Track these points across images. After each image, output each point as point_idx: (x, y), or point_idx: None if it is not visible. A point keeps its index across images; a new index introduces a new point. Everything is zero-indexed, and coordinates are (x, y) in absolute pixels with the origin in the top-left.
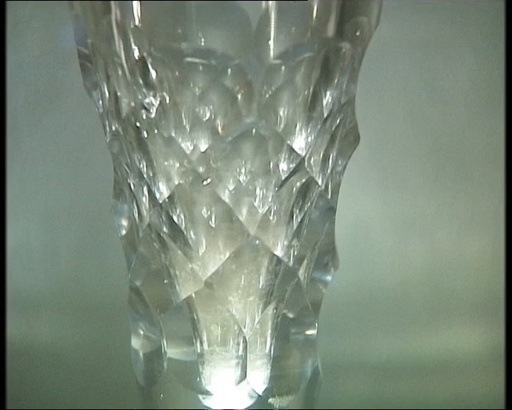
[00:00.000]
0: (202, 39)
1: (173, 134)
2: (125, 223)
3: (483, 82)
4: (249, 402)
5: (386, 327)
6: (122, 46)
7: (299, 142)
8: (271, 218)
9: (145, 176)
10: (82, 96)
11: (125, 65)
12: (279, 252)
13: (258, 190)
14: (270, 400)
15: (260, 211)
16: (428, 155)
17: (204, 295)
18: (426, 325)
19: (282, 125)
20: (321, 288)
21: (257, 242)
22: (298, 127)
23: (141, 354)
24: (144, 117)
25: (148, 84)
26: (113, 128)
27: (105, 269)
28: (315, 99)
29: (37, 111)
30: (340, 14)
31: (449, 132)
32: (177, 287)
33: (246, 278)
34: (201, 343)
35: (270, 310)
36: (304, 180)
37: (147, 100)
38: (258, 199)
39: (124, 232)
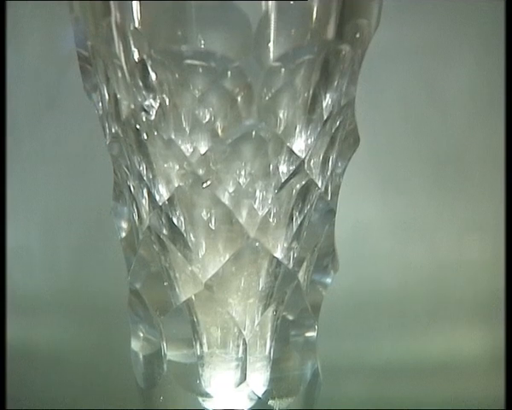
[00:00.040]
0: (202, 41)
1: (173, 136)
2: (124, 225)
3: (483, 84)
4: (249, 404)
5: (387, 329)
6: (122, 48)
7: (299, 144)
8: (271, 220)
9: (145, 178)
10: (82, 99)
11: (124, 67)
12: (279, 254)
13: (257, 193)
14: (269, 402)
15: (260, 213)
16: (428, 157)
17: (204, 298)
18: (426, 326)
19: (281, 128)
20: (321, 290)
21: (257, 244)
22: (298, 129)
23: (141, 357)
24: (144, 119)
25: (148, 87)
26: (113, 130)
27: (105, 271)
28: (315, 101)
29: (37, 113)
30: (339, 16)
31: (448, 134)
32: (176, 289)
33: (246, 281)
34: (201, 346)
35: (270, 312)
36: (304, 182)
37: (146, 102)
38: (257, 201)
39: (123, 234)
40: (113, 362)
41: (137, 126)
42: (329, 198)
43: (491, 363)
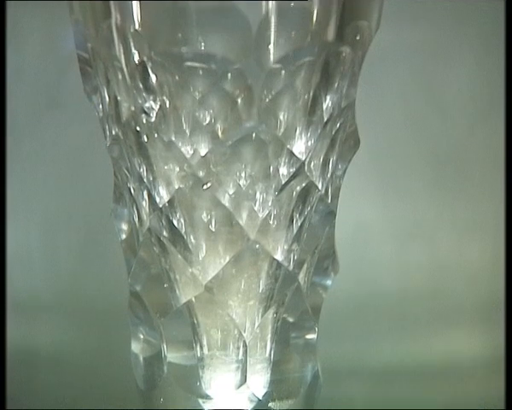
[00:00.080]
0: (202, 43)
1: (173, 138)
2: (125, 227)
3: (483, 86)
4: (249, 406)
5: (387, 331)
6: (122, 50)
7: (299, 146)
8: (271, 222)
9: (145, 180)
10: (82, 99)
11: (125, 69)
12: (279, 256)
13: (258, 195)
14: (270, 404)
15: (260, 215)
16: (428, 160)
17: (204, 300)
18: (426, 328)
19: (282, 130)
20: (321, 292)
21: (257, 246)
22: (298, 131)
23: (141, 359)
24: (144, 121)
25: (148, 89)
26: (113, 132)
27: (105, 273)
28: (315, 103)
29: (37, 113)
30: (340, 18)
31: (449, 137)
32: (177, 291)
33: (246, 283)
34: (201, 347)
35: (270, 314)
36: (304, 184)
37: (147, 104)
38: (258, 203)
39: (124, 236)
40: (113, 364)
41: (138, 128)
42: (330, 200)
43: (491, 365)
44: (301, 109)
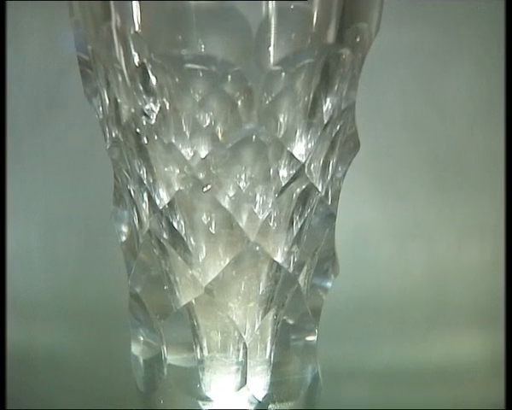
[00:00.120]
0: (202, 46)
1: (173, 140)
2: (125, 229)
3: (482, 89)
4: (249, 408)
5: (387, 333)
6: (122, 52)
7: (299, 148)
8: (271, 224)
9: (145, 182)
10: (82, 99)
11: (125, 71)
12: (279, 258)
13: (258, 197)
14: (270, 406)
15: (260, 217)
16: (428, 162)
17: (204, 302)
18: (425, 331)
19: (282, 132)
20: (321, 294)
21: (257, 248)
22: (298, 134)
23: (141, 361)
24: (144, 123)
25: (149, 91)
26: (113, 135)
27: (105, 275)
28: (315, 105)
29: (37, 114)
30: (340, 20)
31: (448, 139)
32: (177, 293)
33: (246, 285)
34: (201, 350)
35: (271, 316)
36: (304, 187)
37: (147, 106)
38: (258, 205)
39: (124, 239)
40: (113, 366)
41: (138, 130)
42: (330, 202)
43: (491, 368)
44: (301, 111)
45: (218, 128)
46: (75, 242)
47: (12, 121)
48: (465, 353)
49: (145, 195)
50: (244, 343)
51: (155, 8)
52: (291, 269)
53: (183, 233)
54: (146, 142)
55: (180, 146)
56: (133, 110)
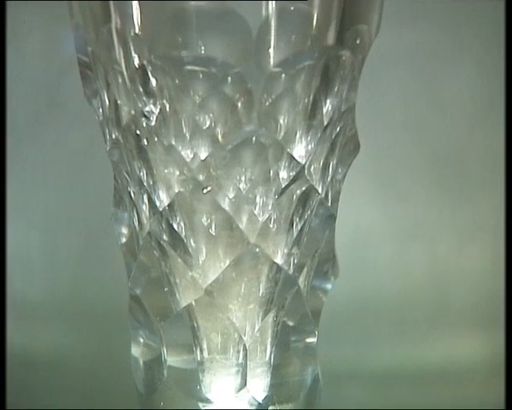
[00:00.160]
0: (202, 47)
1: (173, 142)
2: (125, 231)
3: (483, 90)
4: None
5: (387, 335)
6: (122, 54)
7: (300, 150)
8: (271, 226)
9: (145, 184)
10: (82, 99)
11: (125, 73)
12: (279, 260)
13: (258, 198)
14: (270, 408)
15: (260, 219)
16: (429, 163)
17: (204, 303)
18: (426, 333)
19: (282, 134)
20: (321, 296)
21: (257, 250)
22: (298, 135)
23: (141, 362)
24: (144, 125)
25: (149, 92)
26: (113, 136)
27: (105, 277)
28: (315, 107)
29: (37, 116)
30: (340, 22)
31: (449, 140)
32: (177, 295)
33: (246, 286)
34: (201, 351)
35: (271, 318)
36: (304, 188)
37: (147, 108)
38: (258, 207)
39: (124, 240)
40: (113, 368)
41: (138, 132)
42: (330, 204)
43: (491, 370)
44: (301, 113)
45: (218, 130)
46: (75, 243)
47: (12, 121)
48: (465, 354)
49: (145, 196)
50: (244, 345)
51: (155, 9)
52: (291, 271)
53: (183, 235)
54: (146, 143)
55: (180, 148)
56: (133, 112)
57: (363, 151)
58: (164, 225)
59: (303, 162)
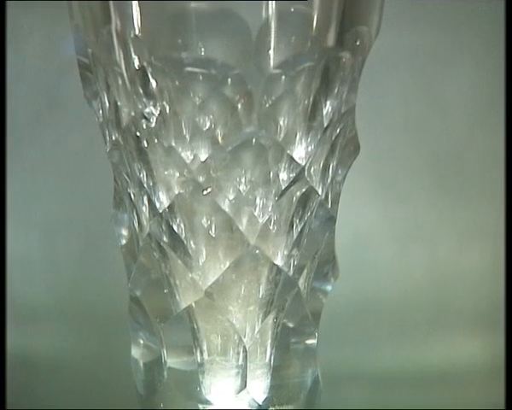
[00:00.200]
0: (202, 49)
1: (173, 144)
2: (125, 232)
3: (483, 91)
4: None
5: (387, 337)
6: (122, 56)
7: (300, 151)
8: (271, 227)
9: (145, 185)
10: (82, 100)
11: (125, 74)
12: (279, 262)
13: (258, 200)
14: (270, 409)
15: (260, 221)
16: (428, 165)
17: (204, 305)
18: (426, 334)
19: (282, 135)
20: (321, 297)
21: (257, 251)
22: (298, 137)
23: (141, 364)
24: (144, 127)
25: (149, 94)
26: (114, 138)
27: (105, 278)
28: (315, 109)
29: (37, 116)
30: (340, 23)
31: (449, 141)
32: (177, 296)
33: (246, 288)
34: (201, 353)
35: (271, 320)
36: (304, 190)
37: (147, 109)
38: (258, 209)
39: (124, 242)
40: (113, 369)
41: (138, 134)
42: (330, 205)
43: (491, 371)
44: (301, 115)
45: (218, 131)
46: (75, 244)
47: (12, 121)
48: (465, 356)
49: (145, 198)
50: (244, 347)
51: (155, 11)
52: (291, 272)
53: (183, 236)
54: (146, 145)
55: (180, 149)
56: (133, 113)
57: (363, 153)
58: (164, 227)
59: (303, 164)
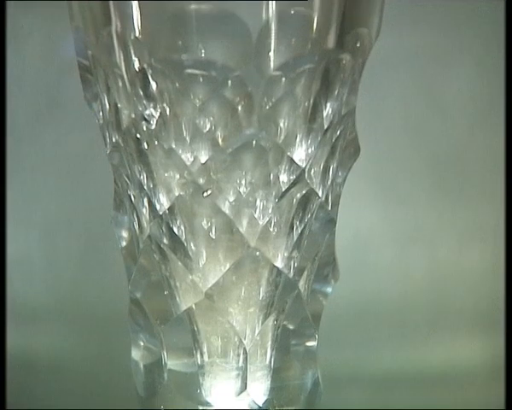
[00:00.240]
0: (202, 51)
1: (173, 146)
2: (125, 234)
3: (483, 92)
4: None
5: (387, 338)
6: (122, 57)
7: (300, 153)
8: (272, 229)
9: (145, 187)
10: (82, 100)
11: (125, 76)
12: (279, 263)
13: (258, 202)
14: None
15: (260, 222)
16: (429, 166)
17: (204, 307)
18: (426, 336)
19: (282, 137)
20: (321, 299)
21: (257, 253)
22: (298, 139)
23: (141, 366)
24: (144, 128)
25: (149, 96)
26: (114, 140)
27: (105, 280)
28: (315, 111)
29: (37, 117)
30: (340, 25)
31: (449, 143)
32: (177, 298)
33: (246, 290)
34: (202, 355)
35: (271, 321)
36: (304, 192)
37: (147, 111)
38: (258, 210)
39: (124, 244)
40: (113, 371)
41: (138, 136)
42: (330, 207)
43: (491, 373)
44: (301, 117)
45: (219, 133)
46: (75, 246)
47: (12, 121)
48: (465, 357)
49: (145, 200)
50: (244, 349)
51: (156, 13)
52: (291, 274)
53: (183, 238)
54: (146, 147)
55: (180, 151)
56: (133, 115)
57: (364, 154)
58: (164, 229)
59: (303, 166)
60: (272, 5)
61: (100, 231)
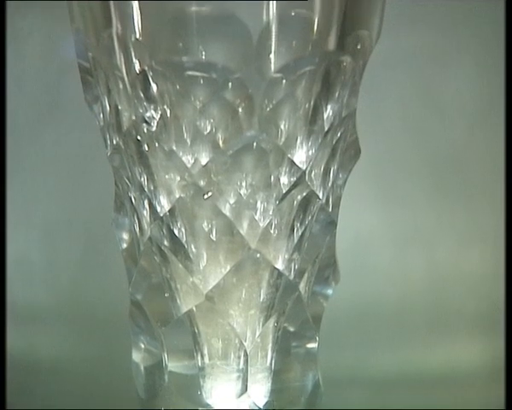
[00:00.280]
0: (203, 53)
1: (174, 147)
2: (125, 236)
3: (482, 92)
4: None
5: (387, 340)
6: (123, 60)
7: (300, 155)
8: (272, 231)
9: (146, 189)
10: (83, 101)
11: (125, 78)
12: (280, 265)
13: (259, 204)
14: None
15: (261, 224)
16: (428, 168)
17: (205, 309)
18: (426, 338)
19: (282, 139)
20: (322, 301)
21: (258, 255)
22: (299, 141)
23: (142, 368)
24: (145, 130)
25: (149, 98)
26: (114, 142)
27: (106, 283)
28: (316, 113)
29: (37, 117)
30: (340, 27)
31: (448, 144)
32: (177, 300)
33: (247, 292)
34: (202, 357)
35: (271, 323)
36: (305, 194)
37: (148, 113)
38: (258, 212)
39: (125, 246)
40: (113, 373)
41: (138, 138)
42: (330, 209)
43: (491, 374)
44: (302, 119)
45: (219, 135)
46: (76, 247)
47: (12, 121)
48: (465, 358)
49: (146, 202)
50: (245, 351)
51: (156, 15)
52: (292, 276)
53: (183, 240)
54: (147, 149)
55: (181, 153)
56: (134, 117)
57: (363, 156)
58: (165, 231)
59: (304, 168)
60: (273, 7)
61: (100, 232)
